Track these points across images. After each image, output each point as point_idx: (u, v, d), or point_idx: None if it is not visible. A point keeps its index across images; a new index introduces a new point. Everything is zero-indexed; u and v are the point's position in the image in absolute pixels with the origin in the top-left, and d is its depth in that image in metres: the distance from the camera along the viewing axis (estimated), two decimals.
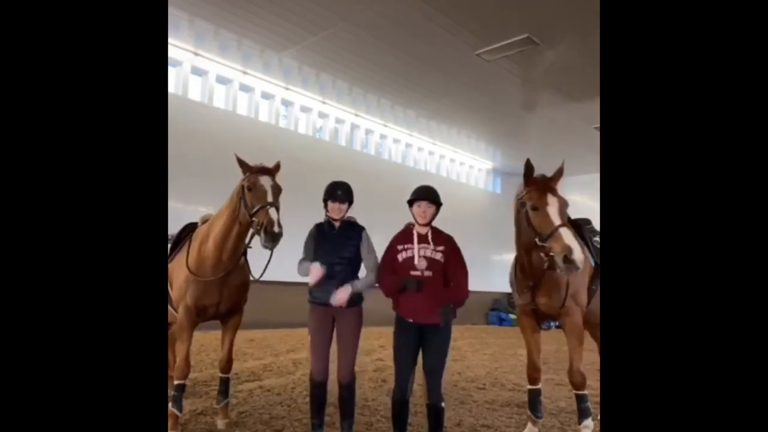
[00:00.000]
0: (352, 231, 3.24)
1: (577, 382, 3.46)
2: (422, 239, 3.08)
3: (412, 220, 3.18)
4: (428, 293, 2.95)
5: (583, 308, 3.51)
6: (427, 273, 3.00)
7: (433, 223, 3.19)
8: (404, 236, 3.14)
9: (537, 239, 3.02)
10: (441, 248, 3.06)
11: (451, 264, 3.04)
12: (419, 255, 3.01)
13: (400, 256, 3.06)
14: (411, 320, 2.99)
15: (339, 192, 3.20)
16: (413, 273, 3.00)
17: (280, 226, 3.03)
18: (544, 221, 2.99)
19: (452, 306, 2.94)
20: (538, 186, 3.15)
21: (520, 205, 3.23)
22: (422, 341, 3.00)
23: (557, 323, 3.75)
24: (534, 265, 3.33)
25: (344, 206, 3.23)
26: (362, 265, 3.26)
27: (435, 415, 3.00)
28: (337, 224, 3.24)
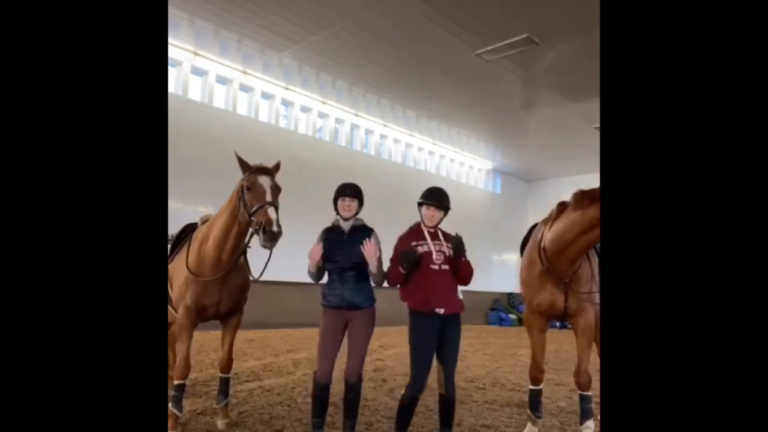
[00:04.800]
0: (362, 234, 3.21)
1: (583, 383, 3.46)
2: (434, 236, 3.16)
3: (419, 220, 3.22)
4: (447, 283, 3.06)
5: (596, 308, 3.54)
6: (444, 267, 3.07)
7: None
8: (416, 233, 3.18)
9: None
10: (449, 244, 3.15)
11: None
12: (436, 250, 3.09)
13: (417, 250, 3.10)
14: (442, 311, 2.99)
15: (348, 190, 3.23)
16: (432, 266, 3.06)
17: (279, 225, 3.03)
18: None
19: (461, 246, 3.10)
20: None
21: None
22: (442, 334, 3.04)
23: (563, 323, 3.78)
24: (576, 265, 3.48)
25: (354, 203, 3.23)
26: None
27: (449, 406, 3.06)
28: (346, 228, 3.23)
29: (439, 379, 3.06)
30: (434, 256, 3.06)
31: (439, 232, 3.18)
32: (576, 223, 3.30)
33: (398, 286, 3.15)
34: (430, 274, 3.05)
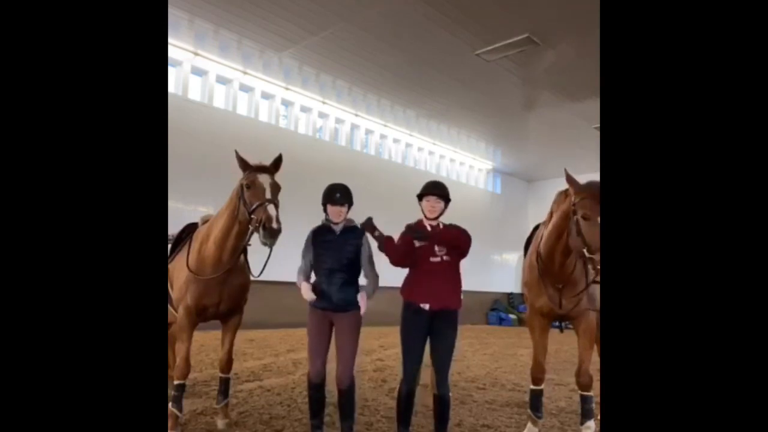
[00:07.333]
0: (353, 235, 3.20)
1: (584, 383, 3.46)
2: (436, 231, 3.12)
3: (420, 216, 3.19)
4: (446, 278, 3.04)
5: (598, 310, 3.53)
6: (446, 258, 3.06)
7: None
8: (418, 227, 3.15)
9: (585, 250, 2.95)
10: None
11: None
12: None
13: (417, 242, 3.08)
14: (427, 306, 2.98)
15: (337, 195, 3.17)
16: (433, 259, 3.04)
17: (278, 222, 3.01)
18: (595, 234, 2.87)
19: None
20: (592, 195, 3.00)
21: (572, 212, 3.09)
22: (431, 330, 3.02)
23: (565, 323, 3.75)
24: (566, 269, 3.35)
25: (344, 209, 3.19)
26: (362, 272, 3.23)
27: (443, 405, 3.04)
28: (338, 228, 3.20)
29: (432, 379, 3.05)
30: (436, 248, 3.04)
31: (441, 227, 3.14)
32: (556, 224, 3.28)
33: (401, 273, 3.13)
34: (428, 266, 3.04)
